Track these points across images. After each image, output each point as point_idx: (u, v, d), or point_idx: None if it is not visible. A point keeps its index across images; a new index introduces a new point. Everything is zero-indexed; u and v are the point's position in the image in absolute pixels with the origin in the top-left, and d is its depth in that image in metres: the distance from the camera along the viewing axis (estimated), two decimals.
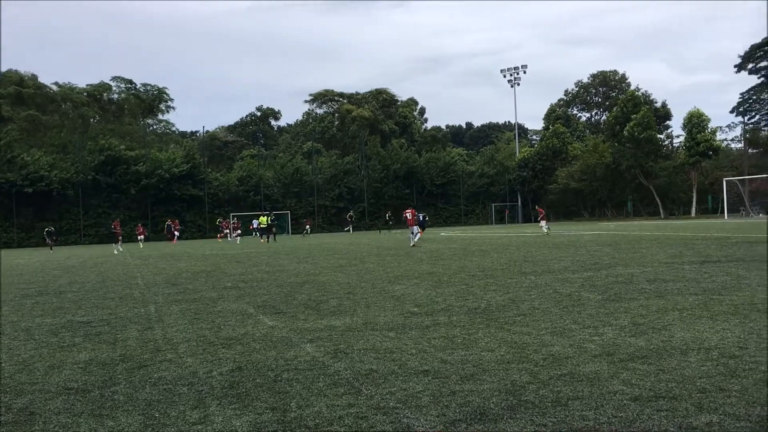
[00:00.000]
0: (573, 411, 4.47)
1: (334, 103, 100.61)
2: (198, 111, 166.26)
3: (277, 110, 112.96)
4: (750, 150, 69.86)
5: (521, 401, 4.74)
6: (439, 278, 13.42)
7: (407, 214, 28.10)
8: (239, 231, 46.48)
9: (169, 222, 54.78)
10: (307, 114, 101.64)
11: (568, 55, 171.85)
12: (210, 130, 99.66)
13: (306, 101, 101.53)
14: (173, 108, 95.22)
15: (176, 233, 50.88)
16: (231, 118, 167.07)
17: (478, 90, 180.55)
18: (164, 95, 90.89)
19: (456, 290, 11.30)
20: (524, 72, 78.58)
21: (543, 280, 12.27)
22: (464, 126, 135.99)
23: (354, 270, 16.34)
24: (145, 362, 6.57)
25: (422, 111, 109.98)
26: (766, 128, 78.54)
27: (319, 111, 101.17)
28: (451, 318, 8.44)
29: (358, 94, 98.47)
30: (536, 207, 45.54)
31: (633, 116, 60.68)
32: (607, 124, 66.25)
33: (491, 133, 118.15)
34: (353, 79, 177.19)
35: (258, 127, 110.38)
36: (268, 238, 42.08)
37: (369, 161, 72.00)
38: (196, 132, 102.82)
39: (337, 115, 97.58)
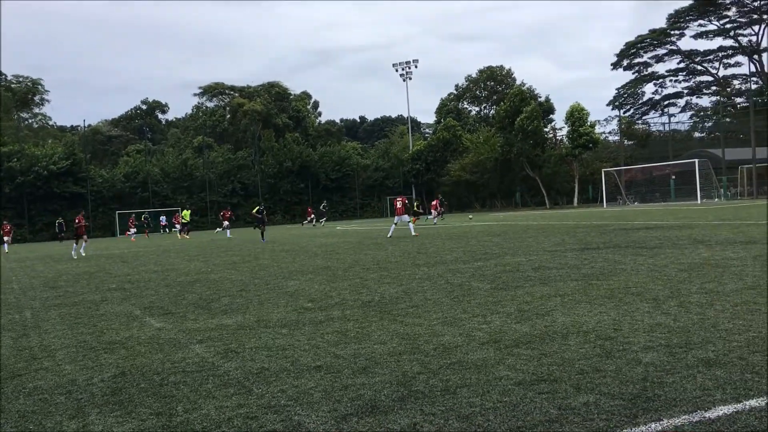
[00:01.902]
0: (461, 398, 4.58)
1: (225, 96, 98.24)
2: (79, 104, 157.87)
3: (164, 103, 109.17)
4: (626, 142, 74.23)
5: (411, 392, 4.81)
6: (334, 272, 13.41)
7: (397, 203, 26.51)
8: (227, 222, 43.17)
9: (60, 220, 51.42)
10: (197, 107, 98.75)
11: (458, 50, 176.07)
12: (92, 124, 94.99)
13: (195, 94, 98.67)
14: (48, 101, 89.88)
15: (133, 229, 46.37)
16: (115, 111, 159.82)
17: (371, 84, 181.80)
18: (39, 87, 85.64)
19: (350, 284, 11.33)
20: (416, 66, 79.84)
21: (435, 272, 12.52)
22: (358, 120, 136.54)
23: (247, 267, 16.05)
24: (18, 371, 6.16)
25: (316, 105, 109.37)
26: (639, 121, 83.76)
27: (210, 104, 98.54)
28: (344, 312, 8.44)
29: (249, 87, 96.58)
30: (434, 200, 45.89)
31: (524, 109, 63.06)
32: (497, 117, 68.37)
33: (385, 126, 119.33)
34: (244, 72, 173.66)
35: (144, 120, 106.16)
36: (188, 232, 41.06)
37: (263, 156, 70.96)
38: (77, 126, 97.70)
39: (228, 108, 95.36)
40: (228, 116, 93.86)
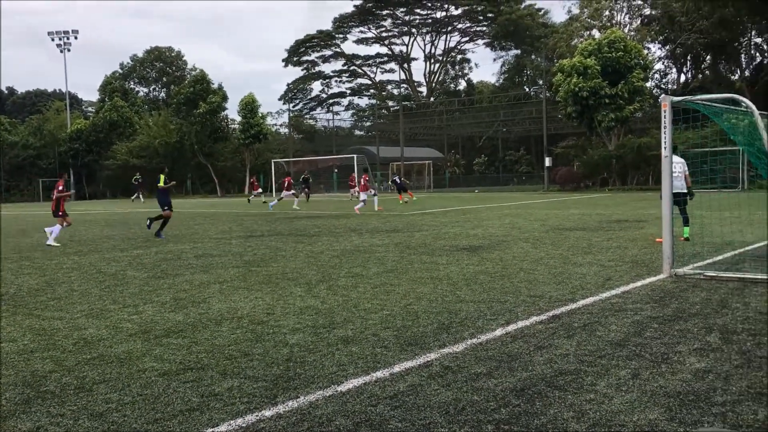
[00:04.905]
0: (97, 395, 4.25)
1: None
2: None
3: None
4: (295, 135, 77.57)
5: (39, 393, 4.32)
6: None
7: (361, 180, 27.12)
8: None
9: None
10: None
11: (123, 26, 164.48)
12: None
13: None
14: None
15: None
16: None
17: (21, 51, 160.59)
18: None
19: None
20: (75, 38, 72.96)
21: (88, 260, 11.56)
22: (6, 91, 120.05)
23: None
24: None
25: None
26: (308, 116, 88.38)
27: None
28: None
29: None
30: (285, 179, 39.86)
31: (210, 98, 61.76)
32: (175, 101, 65.64)
33: (39, 101, 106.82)
34: None
35: None
36: None
37: None
38: None
39: None
40: None
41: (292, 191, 31.08)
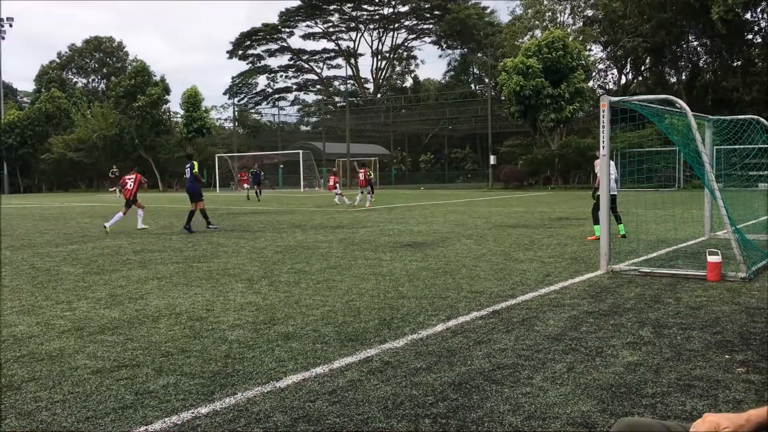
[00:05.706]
0: (26, 394, 4.10)
1: None
2: None
3: None
4: (240, 130, 76.57)
5: None
6: None
7: (359, 175, 26.78)
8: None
9: None
10: None
11: (62, 14, 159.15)
12: None
13: None
14: None
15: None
16: None
17: None
18: None
19: None
20: (10, 26, 70.45)
21: (20, 256, 11.16)
22: None
23: None
24: None
25: None
26: (253, 111, 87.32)
27: None
28: None
29: None
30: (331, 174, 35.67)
31: (149, 90, 60.32)
32: (114, 92, 63.80)
33: None
34: None
35: None
36: None
37: None
38: None
39: None
40: None
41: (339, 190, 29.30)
